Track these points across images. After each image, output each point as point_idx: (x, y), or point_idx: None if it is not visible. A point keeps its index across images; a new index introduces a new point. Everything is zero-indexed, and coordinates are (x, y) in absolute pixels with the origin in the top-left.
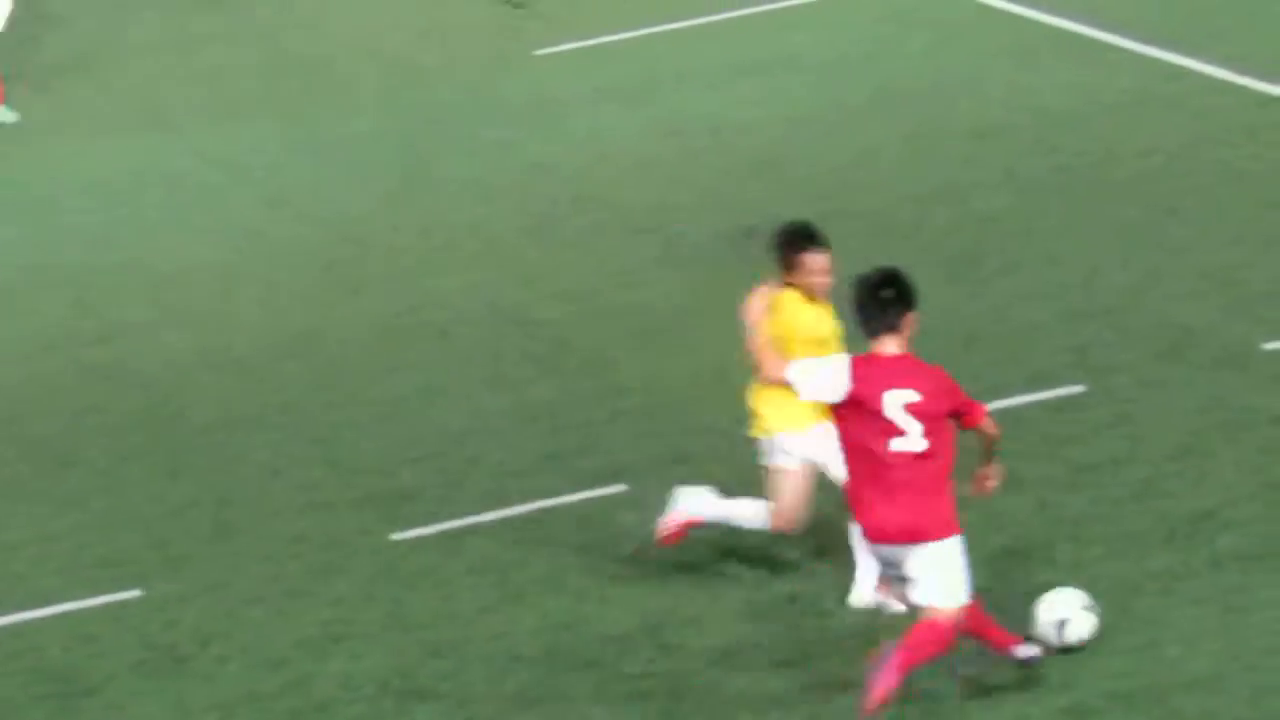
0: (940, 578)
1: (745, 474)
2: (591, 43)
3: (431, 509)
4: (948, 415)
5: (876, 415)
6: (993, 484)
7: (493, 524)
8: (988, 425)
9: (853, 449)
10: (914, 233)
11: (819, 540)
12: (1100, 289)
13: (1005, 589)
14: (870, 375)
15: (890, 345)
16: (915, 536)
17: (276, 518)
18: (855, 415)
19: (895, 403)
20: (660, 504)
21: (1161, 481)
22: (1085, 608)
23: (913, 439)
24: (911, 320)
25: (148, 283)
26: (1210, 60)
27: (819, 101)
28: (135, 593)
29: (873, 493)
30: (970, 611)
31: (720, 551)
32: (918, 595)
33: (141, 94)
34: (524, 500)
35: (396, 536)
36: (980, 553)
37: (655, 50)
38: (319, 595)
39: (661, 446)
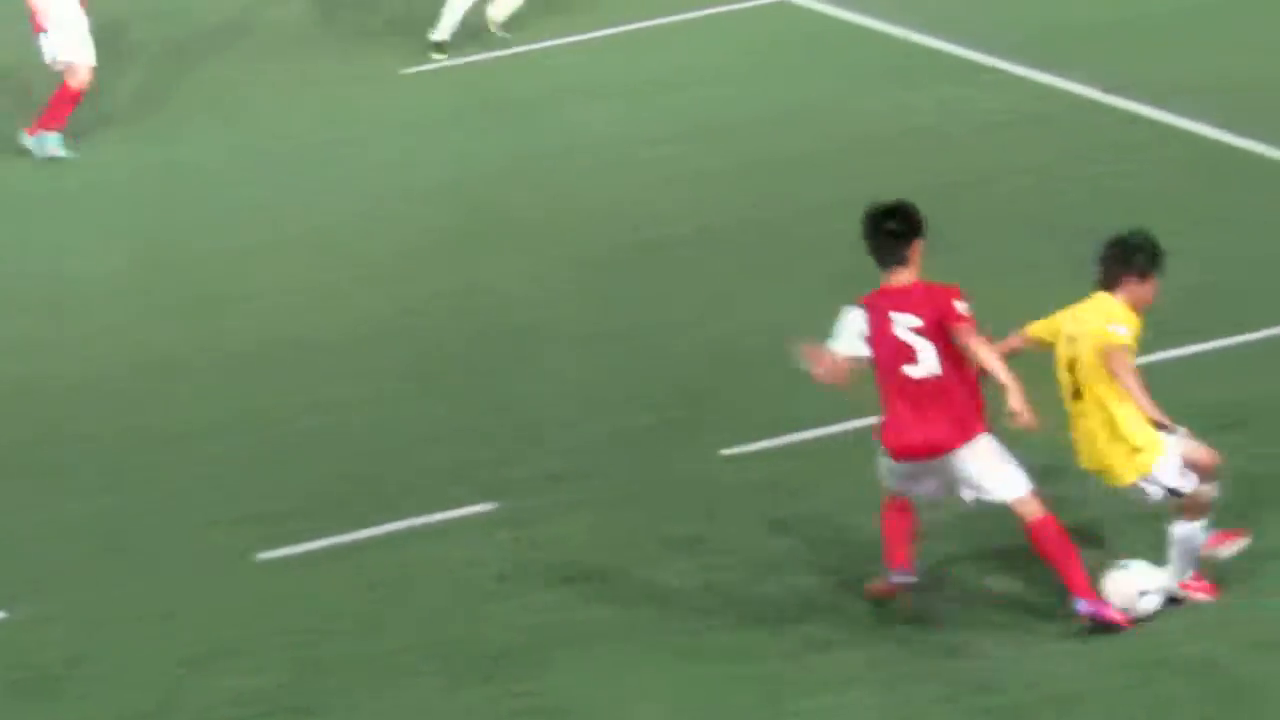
0: (989, 474)
1: (623, 490)
2: (461, 62)
3: (308, 527)
4: (945, 328)
5: (891, 340)
6: (1024, 419)
7: (368, 541)
8: (970, 339)
9: (881, 376)
10: (791, 249)
11: (693, 558)
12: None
13: None
14: (880, 305)
15: (902, 276)
16: (938, 449)
17: (150, 537)
18: (877, 347)
19: (904, 325)
20: (533, 521)
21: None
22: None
23: (927, 362)
24: (919, 247)
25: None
26: (1079, 80)
27: (701, 118)
28: (1, 614)
29: (897, 414)
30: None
31: (597, 568)
32: (986, 497)
33: None
34: (399, 518)
35: (269, 554)
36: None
37: (541, 67)
38: (192, 615)
39: (539, 465)
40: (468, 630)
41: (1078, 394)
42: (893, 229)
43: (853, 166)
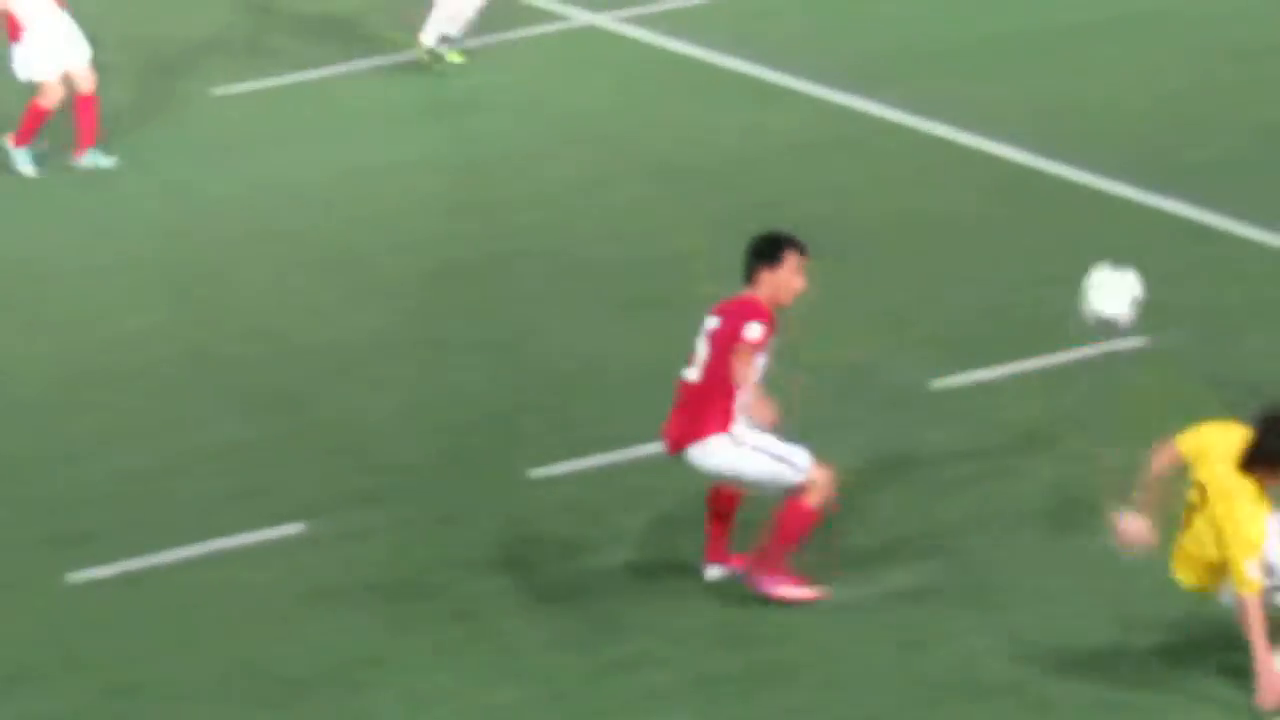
0: (748, 471)
1: (433, 511)
2: (271, 83)
3: (112, 549)
4: (731, 344)
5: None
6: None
7: (173, 564)
8: (735, 362)
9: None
10: (594, 273)
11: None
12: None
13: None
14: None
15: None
16: (677, 446)
17: None
18: None
19: (704, 329)
20: (342, 541)
21: (835, 517)
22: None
23: (695, 367)
24: (772, 278)
25: None
26: (883, 102)
27: (501, 142)
28: None
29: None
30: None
31: (407, 589)
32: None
33: None
34: (205, 539)
35: (75, 577)
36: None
37: (337, 91)
38: None
39: (346, 485)
40: (276, 652)
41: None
42: (752, 249)
43: (653, 190)
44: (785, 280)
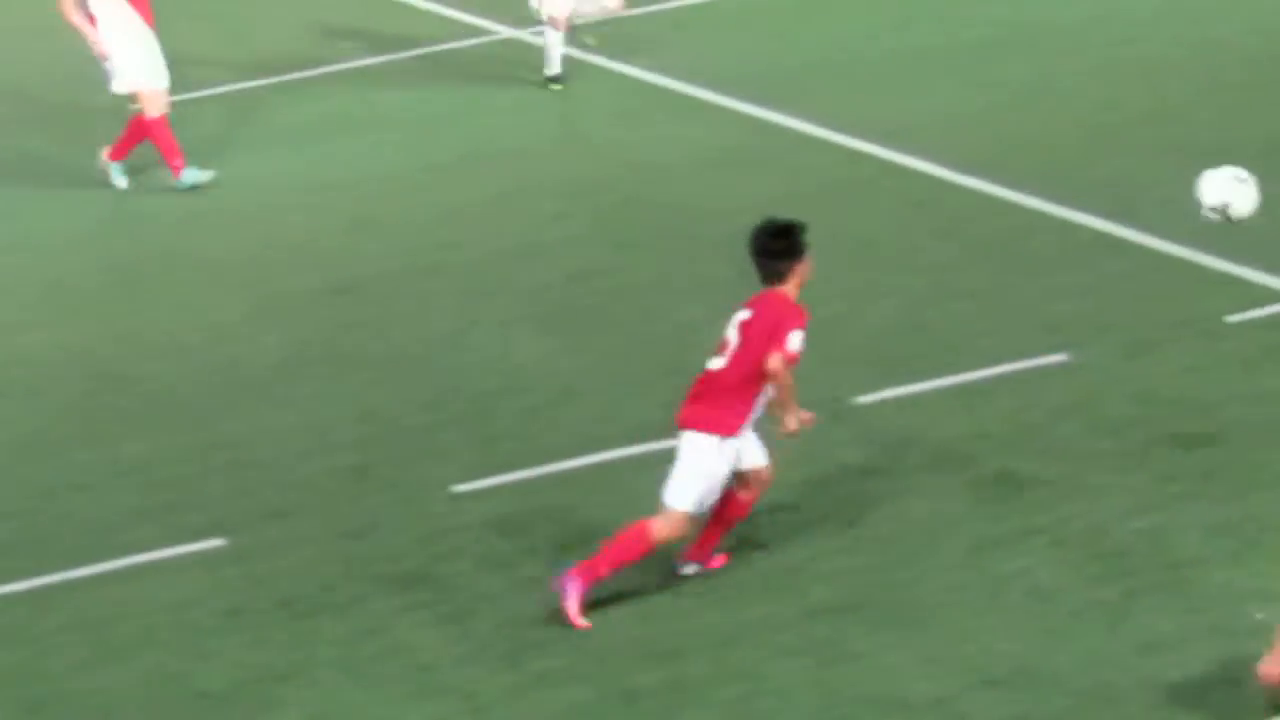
0: (679, 471)
1: (349, 525)
2: (187, 97)
3: (22, 565)
4: (765, 340)
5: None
6: (791, 427)
7: (86, 580)
8: (775, 368)
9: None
10: (507, 288)
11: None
12: (693, 345)
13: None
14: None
15: (781, 291)
16: (682, 424)
17: None
18: None
19: (735, 320)
20: (257, 557)
21: (755, 533)
22: (1240, 180)
23: (723, 357)
24: (799, 269)
25: None
26: (802, 117)
27: (410, 159)
28: None
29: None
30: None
31: (322, 604)
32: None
33: None
34: (118, 555)
35: None
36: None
37: (241, 107)
38: None
39: (258, 501)
40: (189, 667)
41: None
42: (777, 249)
43: (565, 206)
44: (807, 269)
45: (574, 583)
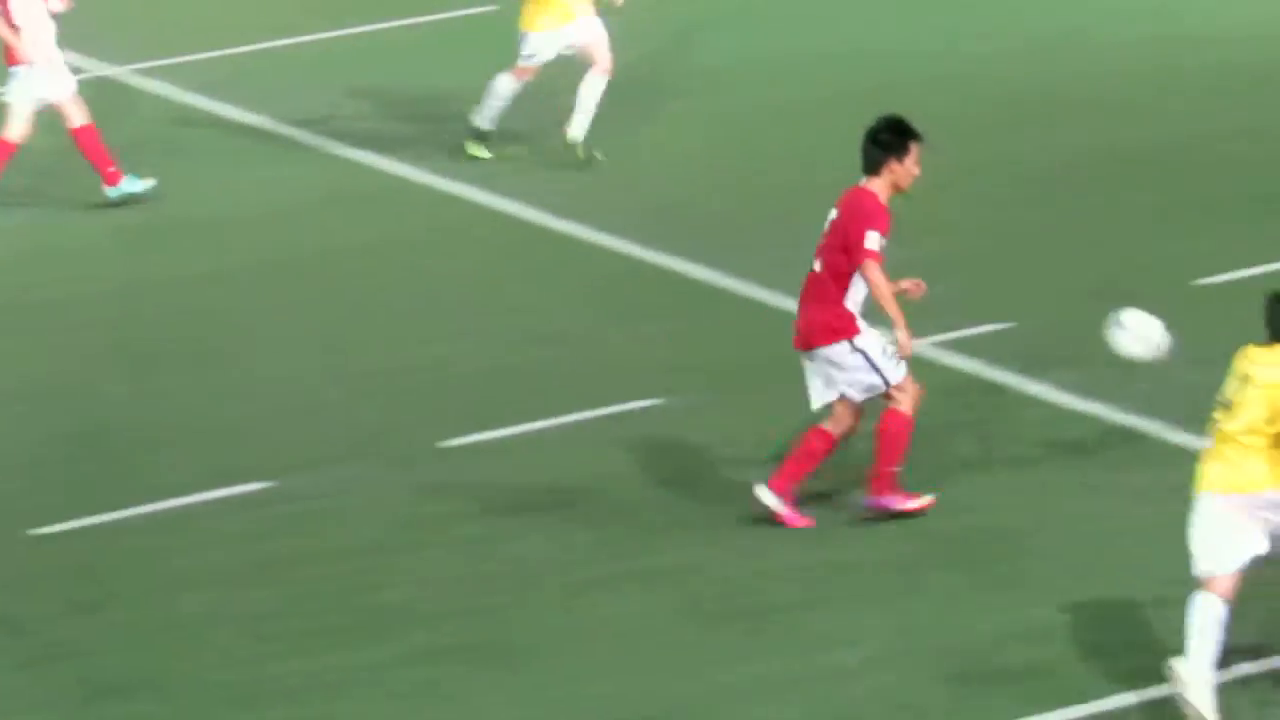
0: (848, 376)
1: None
2: None
3: None
4: (843, 237)
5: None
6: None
7: None
8: (867, 269)
9: None
10: (118, 328)
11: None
12: (297, 390)
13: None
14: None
15: (873, 184)
16: (805, 343)
17: None
18: None
19: (828, 219)
20: None
21: (352, 577)
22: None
23: (821, 257)
24: (895, 169)
25: None
26: (394, 159)
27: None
28: None
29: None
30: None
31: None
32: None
33: None
34: None
35: None
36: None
37: None
38: None
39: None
40: None
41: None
42: (878, 137)
43: (170, 241)
44: (909, 169)
45: (881, 497)
